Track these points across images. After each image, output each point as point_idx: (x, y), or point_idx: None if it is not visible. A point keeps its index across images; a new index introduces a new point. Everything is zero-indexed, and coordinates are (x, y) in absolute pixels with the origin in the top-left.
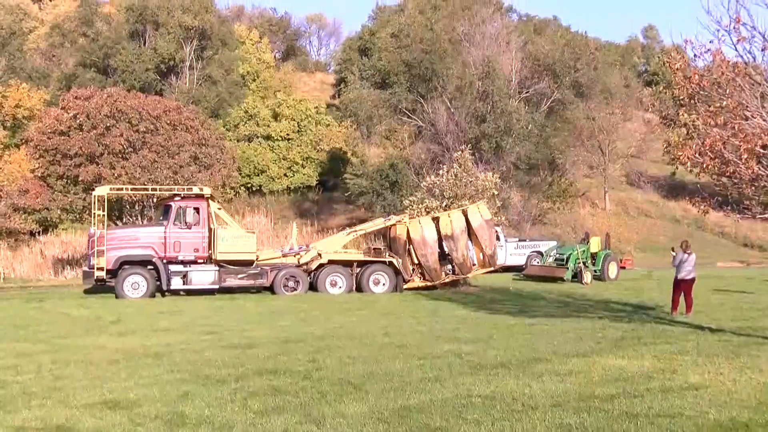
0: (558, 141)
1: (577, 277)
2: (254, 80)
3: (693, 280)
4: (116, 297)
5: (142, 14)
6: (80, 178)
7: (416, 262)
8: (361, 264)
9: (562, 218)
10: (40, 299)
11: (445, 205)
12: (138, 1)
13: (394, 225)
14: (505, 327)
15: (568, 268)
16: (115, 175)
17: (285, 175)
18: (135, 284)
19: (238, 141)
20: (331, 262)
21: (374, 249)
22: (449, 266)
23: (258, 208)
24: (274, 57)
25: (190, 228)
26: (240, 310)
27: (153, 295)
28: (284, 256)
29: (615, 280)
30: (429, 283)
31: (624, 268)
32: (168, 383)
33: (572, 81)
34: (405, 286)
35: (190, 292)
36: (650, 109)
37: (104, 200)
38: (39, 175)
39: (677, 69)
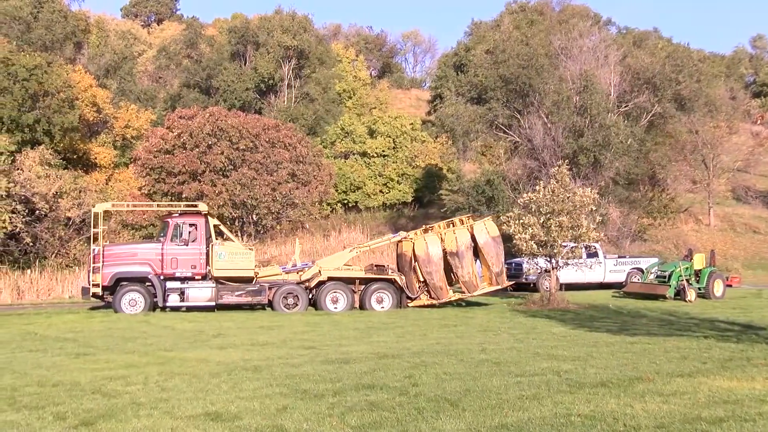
0: (659, 155)
1: (680, 294)
2: (350, 98)
3: None
4: (114, 312)
5: (243, 35)
6: (183, 195)
7: (422, 279)
8: (365, 281)
9: (663, 234)
10: (146, 313)
11: (542, 222)
12: (239, 23)
13: (401, 242)
14: (605, 345)
15: (670, 286)
16: (216, 192)
17: (381, 191)
18: (132, 301)
19: (334, 158)
20: (331, 279)
21: (377, 266)
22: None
23: (354, 224)
24: (370, 74)
25: (187, 244)
26: (337, 325)
27: (153, 309)
28: (287, 272)
29: (721, 299)
30: (435, 302)
31: (731, 286)
32: (267, 397)
33: (674, 94)
34: (411, 305)
35: (191, 309)
36: (759, 122)
37: (99, 216)
38: (145, 192)
39: None
